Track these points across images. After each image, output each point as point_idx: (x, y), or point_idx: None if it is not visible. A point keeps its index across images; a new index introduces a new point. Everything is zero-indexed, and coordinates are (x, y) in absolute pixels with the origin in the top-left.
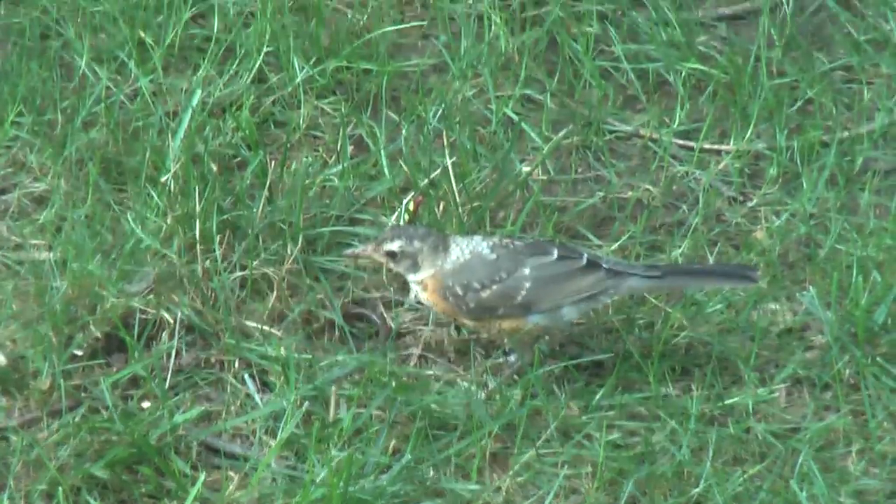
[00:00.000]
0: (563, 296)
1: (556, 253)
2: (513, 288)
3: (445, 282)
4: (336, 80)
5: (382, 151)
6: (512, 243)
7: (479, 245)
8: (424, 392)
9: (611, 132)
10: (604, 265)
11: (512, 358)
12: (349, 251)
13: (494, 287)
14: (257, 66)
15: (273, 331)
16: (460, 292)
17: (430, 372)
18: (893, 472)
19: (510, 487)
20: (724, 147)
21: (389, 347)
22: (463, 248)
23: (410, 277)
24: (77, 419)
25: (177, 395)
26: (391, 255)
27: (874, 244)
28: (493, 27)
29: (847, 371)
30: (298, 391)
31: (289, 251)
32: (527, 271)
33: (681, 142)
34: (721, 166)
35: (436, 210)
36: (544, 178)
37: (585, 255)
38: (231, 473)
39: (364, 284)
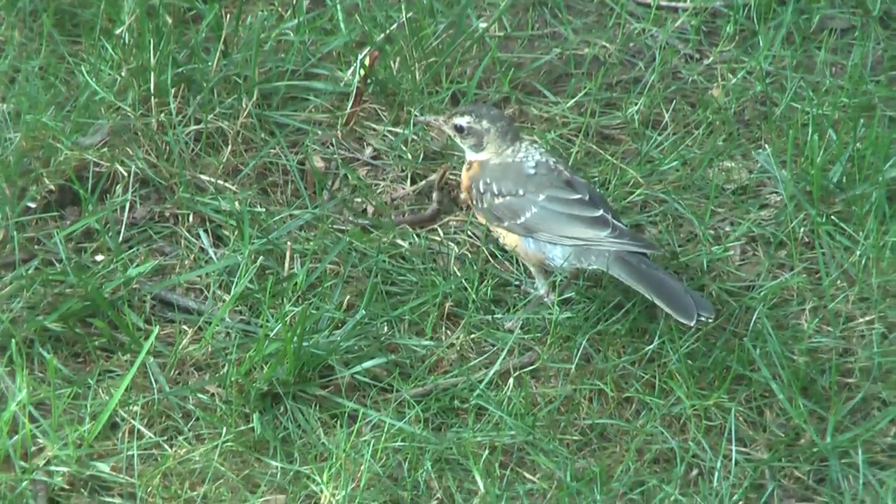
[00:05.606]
0: (559, 235)
1: (578, 195)
2: (519, 206)
3: (483, 174)
4: None
5: (339, 6)
6: (557, 167)
7: (530, 155)
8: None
9: None
10: (612, 223)
11: (538, 288)
12: (422, 118)
13: (507, 199)
14: None
15: (227, 185)
16: (482, 189)
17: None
18: (846, 331)
19: (464, 343)
20: (680, 4)
21: (343, 201)
22: (516, 151)
23: (470, 156)
24: (30, 272)
25: (131, 248)
26: (458, 128)
27: (830, 102)
28: None
29: (801, 229)
30: (253, 245)
31: (243, 105)
32: (540, 198)
33: None
34: (678, 24)
35: (391, 66)
36: (501, 34)
37: (603, 211)
38: (185, 327)
39: (319, 138)
